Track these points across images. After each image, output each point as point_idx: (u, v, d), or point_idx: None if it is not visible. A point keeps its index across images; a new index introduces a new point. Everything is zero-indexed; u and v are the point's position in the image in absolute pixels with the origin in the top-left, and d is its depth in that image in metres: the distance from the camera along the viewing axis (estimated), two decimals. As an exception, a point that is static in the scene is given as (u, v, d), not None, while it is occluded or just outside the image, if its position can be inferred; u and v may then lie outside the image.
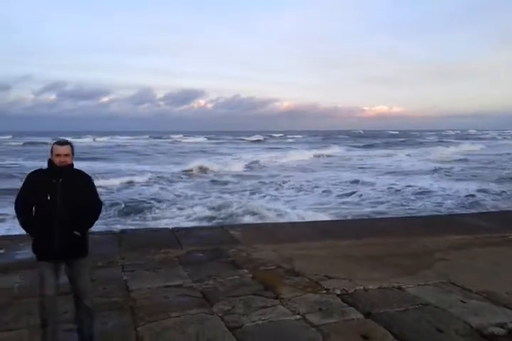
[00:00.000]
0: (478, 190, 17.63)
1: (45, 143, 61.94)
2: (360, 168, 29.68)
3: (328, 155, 41.87)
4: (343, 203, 16.08)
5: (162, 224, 11.80)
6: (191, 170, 25.80)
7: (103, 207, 3.92)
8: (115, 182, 19.87)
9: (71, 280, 3.66)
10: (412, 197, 16.65)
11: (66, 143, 3.60)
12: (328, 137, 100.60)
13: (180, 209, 14.27)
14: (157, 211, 14.03)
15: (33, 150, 48.21)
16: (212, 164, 28.49)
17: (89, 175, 3.73)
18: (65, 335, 3.76)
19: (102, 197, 3.84)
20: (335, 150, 49.28)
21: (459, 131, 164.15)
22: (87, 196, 3.60)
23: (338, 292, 4.97)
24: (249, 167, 29.68)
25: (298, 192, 18.74)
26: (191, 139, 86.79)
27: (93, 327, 3.76)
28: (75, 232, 3.51)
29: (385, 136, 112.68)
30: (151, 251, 6.61)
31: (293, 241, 7.27)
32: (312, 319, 4.24)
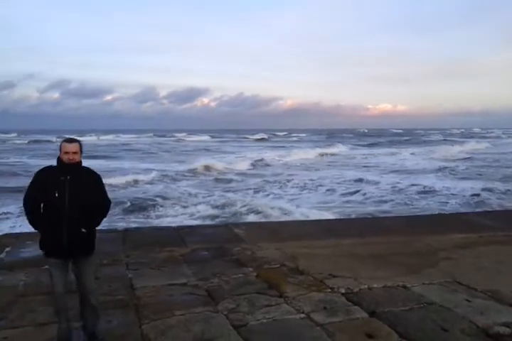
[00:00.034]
0: (483, 189, 17.56)
1: (50, 142, 62.23)
2: (365, 166, 29.63)
3: (332, 154, 41.82)
4: (347, 202, 16.06)
5: (165, 222, 11.83)
6: (196, 169, 25.81)
7: (108, 205, 3.92)
8: (120, 180, 19.89)
9: (77, 278, 3.68)
10: (416, 197, 16.60)
11: (74, 140, 3.62)
12: (332, 135, 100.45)
13: (184, 207, 14.29)
14: (161, 209, 14.06)
15: (38, 149, 48.35)
16: (217, 163, 28.50)
17: (98, 172, 3.74)
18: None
19: (106, 195, 3.84)
20: (339, 148, 49.23)
21: (463, 130, 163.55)
22: (95, 194, 3.61)
23: (343, 291, 4.97)
24: (253, 165, 29.67)
25: (302, 190, 18.73)
26: (195, 137, 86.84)
27: (98, 325, 3.78)
28: (83, 230, 3.53)
29: (389, 134, 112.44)
30: (155, 249, 6.62)
31: (297, 240, 7.27)
32: (317, 318, 4.24)
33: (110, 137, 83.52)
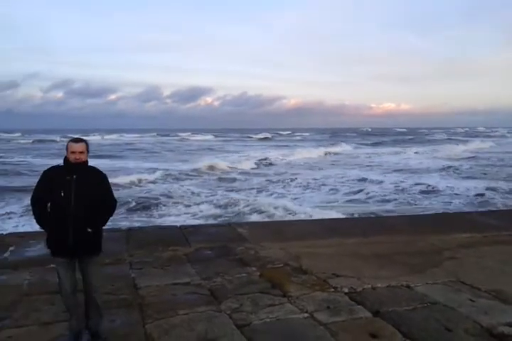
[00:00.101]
0: (488, 188, 17.51)
1: (54, 141, 62.43)
2: (368, 165, 29.59)
3: (336, 153, 41.80)
4: (351, 201, 16.05)
5: (168, 221, 11.85)
6: (200, 169, 25.83)
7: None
8: (124, 179, 19.95)
9: (82, 277, 3.70)
10: (420, 196, 16.57)
11: (81, 140, 3.64)
12: (335, 135, 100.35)
13: (186, 206, 14.31)
14: (164, 208, 14.10)
15: (42, 148, 48.52)
16: (222, 162, 28.50)
17: (104, 172, 3.76)
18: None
19: (110, 195, 3.85)
20: (343, 147, 49.20)
21: (467, 129, 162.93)
22: (101, 193, 3.63)
23: (346, 290, 4.96)
24: (257, 165, 29.69)
25: (305, 189, 18.73)
26: (199, 137, 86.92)
27: (101, 324, 3.79)
28: (89, 229, 3.54)
29: (392, 133, 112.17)
30: (159, 248, 6.63)
31: (300, 239, 7.26)
32: (320, 317, 4.23)
33: (114, 136, 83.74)
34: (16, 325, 4.06)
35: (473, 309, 4.44)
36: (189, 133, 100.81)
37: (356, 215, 12.69)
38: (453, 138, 77.59)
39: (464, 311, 4.38)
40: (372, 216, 12.32)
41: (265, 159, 32.76)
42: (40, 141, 64.40)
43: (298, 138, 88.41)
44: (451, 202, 15.34)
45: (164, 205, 14.47)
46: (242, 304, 4.55)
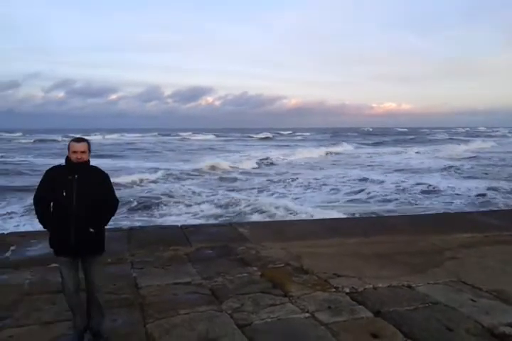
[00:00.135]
0: (489, 188, 17.49)
1: (55, 141, 62.48)
2: (369, 165, 29.57)
3: (337, 153, 41.79)
4: (352, 201, 16.04)
5: (169, 221, 11.85)
6: (202, 169, 25.82)
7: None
8: (125, 179, 19.96)
9: (85, 276, 3.71)
10: (421, 196, 16.55)
11: (83, 140, 3.65)
12: (336, 134, 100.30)
13: (187, 206, 14.31)
14: (164, 208, 14.09)
15: (43, 148, 48.57)
16: (224, 162, 28.49)
17: (106, 172, 3.76)
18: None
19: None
20: (344, 147, 49.18)
21: (468, 129, 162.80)
22: (103, 193, 3.63)
23: (347, 290, 4.96)
24: (258, 164, 29.69)
25: (306, 189, 18.72)
26: (200, 136, 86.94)
27: (103, 323, 3.79)
28: (91, 229, 3.55)
29: (394, 133, 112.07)
30: (160, 248, 6.63)
31: (301, 239, 7.26)
32: (321, 317, 4.23)
33: (115, 136, 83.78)
34: (17, 325, 4.07)
35: (475, 309, 4.44)
36: (190, 133, 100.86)
37: (357, 215, 12.69)
38: (454, 137, 77.53)
39: (465, 311, 4.38)
40: (373, 216, 12.31)
41: (266, 159, 32.75)
42: (41, 141, 64.44)
43: (299, 137, 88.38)
44: (452, 202, 15.32)
45: (165, 205, 14.47)
46: (243, 304, 4.55)
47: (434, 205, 14.91)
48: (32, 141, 64.53)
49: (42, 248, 6.36)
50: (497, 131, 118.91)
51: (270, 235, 7.56)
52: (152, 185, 19.44)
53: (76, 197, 3.47)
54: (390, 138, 74.55)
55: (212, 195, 16.32)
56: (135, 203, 14.41)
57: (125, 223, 10.85)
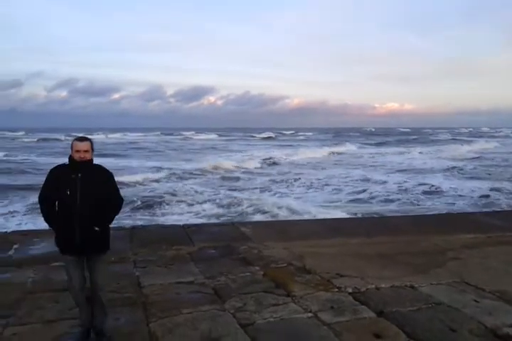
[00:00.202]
0: (492, 189, 17.44)
1: (58, 140, 62.61)
2: (372, 165, 29.53)
3: (340, 153, 41.73)
4: (354, 201, 16.01)
5: (171, 220, 11.84)
6: (205, 168, 25.81)
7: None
8: (128, 178, 19.97)
9: (89, 275, 3.72)
10: (423, 197, 16.51)
11: (86, 139, 3.65)
12: (339, 134, 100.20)
13: (189, 205, 14.31)
14: (166, 207, 14.10)
15: (46, 147, 48.66)
16: (227, 162, 28.47)
17: (110, 170, 3.76)
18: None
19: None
20: (347, 147, 49.14)
21: (471, 129, 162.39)
22: (107, 191, 3.64)
23: (350, 290, 4.96)
24: (261, 164, 29.68)
25: (308, 189, 18.71)
26: (202, 136, 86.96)
27: (106, 322, 3.80)
28: (96, 228, 3.56)
29: (396, 133, 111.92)
30: (162, 247, 6.64)
31: (304, 239, 7.26)
32: (324, 317, 4.23)
33: (118, 135, 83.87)
34: (20, 323, 4.08)
35: (478, 310, 4.43)
36: (193, 132, 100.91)
37: (360, 215, 12.67)
38: (457, 138, 77.33)
39: (469, 312, 4.37)
40: (375, 216, 12.28)
41: (269, 158, 32.71)
42: (44, 140, 64.55)
43: (301, 137, 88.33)
44: (454, 203, 15.28)
45: (167, 204, 14.47)
46: (246, 303, 4.55)
47: (436, 206, 14.87)
48: (35, 139, 64.65)
49: (44, 246, 6.37)
50: (500, 132, 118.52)
51: (272, 235, 7.56)
52: (155, 184, 19.44)
53: (80, 195, 3.48)
54: (393, 139, 74.44)
55: (215, 195, 16.32)
56: (138, 202, 14.42)
57: (127, 222, 10.86)
